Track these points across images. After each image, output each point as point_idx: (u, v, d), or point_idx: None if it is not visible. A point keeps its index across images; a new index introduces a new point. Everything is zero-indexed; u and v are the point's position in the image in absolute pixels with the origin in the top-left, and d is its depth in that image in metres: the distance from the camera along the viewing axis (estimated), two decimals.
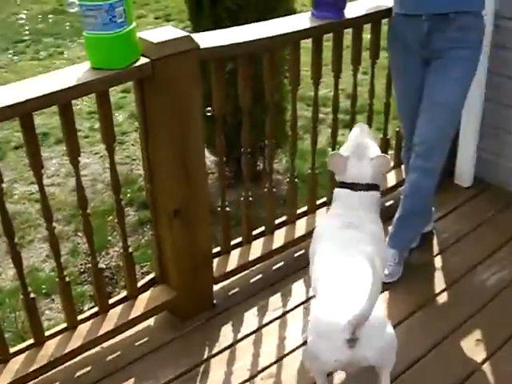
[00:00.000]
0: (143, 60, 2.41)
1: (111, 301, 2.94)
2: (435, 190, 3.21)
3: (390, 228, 3.29)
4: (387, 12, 3.20)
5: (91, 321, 2.85)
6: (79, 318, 2.85)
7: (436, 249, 3.48)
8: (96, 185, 5.13)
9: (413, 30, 3.03)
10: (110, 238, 4.46)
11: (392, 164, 3.99)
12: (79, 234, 4.48)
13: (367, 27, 3.37)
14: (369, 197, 2.65)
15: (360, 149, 2.66)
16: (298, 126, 3.48)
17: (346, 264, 2.41)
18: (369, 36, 3.42)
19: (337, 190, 2.71)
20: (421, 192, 3.17)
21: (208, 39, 2.69)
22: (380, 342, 2.20)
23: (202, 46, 2.57)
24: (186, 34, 2.57)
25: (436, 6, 2.92)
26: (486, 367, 2.75)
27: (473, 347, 2.85)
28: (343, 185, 2.66)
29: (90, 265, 3.99)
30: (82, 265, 4.23)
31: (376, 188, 2.67)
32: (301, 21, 3.10)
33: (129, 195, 4.86)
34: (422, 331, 2.92)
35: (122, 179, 2.74)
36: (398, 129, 3.76)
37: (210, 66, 2.82)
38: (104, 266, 3.84)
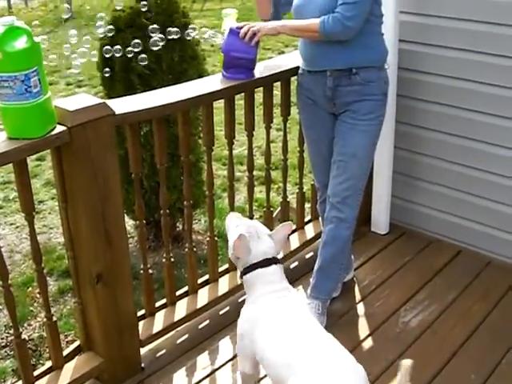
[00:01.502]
0: (60, 128, 2.42)
1: (36, 373, 2.86)
2: (352, 238, 3.31)
3: (311, 279, 3.35)
4: (296, 70, 3.30)
5: None
6: None
7: (358, 296, 3.56)
8: (13, 256, 5.03)
9: (319, 85, 3.14)
10: (31, 309, 4.36)
11: (309, 217, 4.10)
12: None
13: (278, 84, 3.48)
14: (280, 269, 2.54)
15: (253, 229, 2.54)
16: (216, 185, 3.53)
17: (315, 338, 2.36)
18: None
19: (248, 276, 2.51)
20: (338, 241, 3.25)
21: (123, 105, 2.74)
22: None
23: (117, 112, 2.61)
24: (101, 100, 2.60)
25: (339, 62, 3.04)
26: None
27: None
28: (253, 266, 2.50)
29: (11, 338, 3.96)
30: (2, 339, 4.11)
31: (280, 260, 2.56)
32: (212, 82, 3.17)
33: (48, 264, 4.79)
34: None
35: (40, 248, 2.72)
36: (313, 182, 3.85)
37: (125, 129, 2.87)
38: (26, 338, 3.76)
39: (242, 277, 2.56)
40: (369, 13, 2.94)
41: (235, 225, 2.60)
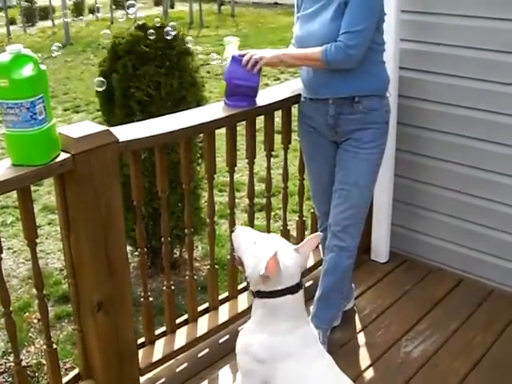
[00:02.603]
0: (64, 155, 2.41)
1: None
2: (353, 267, 3.29)
3: (311, 308, 3.33)
4: (297, 98, 3.31)
5: None
6: None
7: (359, 325, 3.53)
8: (10, 280, 5.00)
9: (321, 113, 3.15)
10: (28, 334, 4.33)
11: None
12: None
13: (279, 112, 3.48)
14: (303, 295, 2.41)
15: (277, 244, 2.34)
16: None
17: None
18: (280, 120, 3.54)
19: (273, 301, 2.34)
20: (339, 270, 3.23)
21: (126, 132, 2.73)
22: None
23: (120, 140, 2.61)
24: (105, 128, 2.60)
25: (342, 90, 3.05)
26: None
27: None
28: (281, 292, 2.32)
29: (9, 364, 3.92)
30: (0, 365, 4.07)
31: (303, 283, 2.40)
32: (215, 110, 3.17)
33: (45, 290, 4.76)
34: None
35: None
36: (312, 210, 3.84)
37: (127, 157, 2.86)
38: (25, 364, 3.72)
39: (259, 297, 2.39)
40: (371, 41, 2.95)
41: (252, 241, 2.39)
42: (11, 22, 19.53)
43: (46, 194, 6.60)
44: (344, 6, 2.90)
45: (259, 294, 2.38)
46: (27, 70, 2.20)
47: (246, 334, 2.50)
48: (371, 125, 3.09)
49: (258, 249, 2.34)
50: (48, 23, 20.60)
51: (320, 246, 3.69)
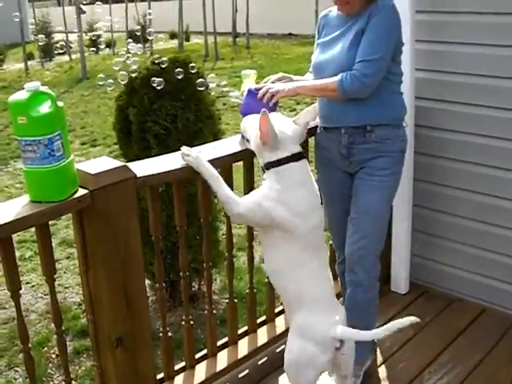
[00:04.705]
0: (82, 191, 2.41)
1: None
2: (375, 302, 3.19)
3: None
4: (314, 130, 3.30)
5: None
6: None
7: (380, 358, 3.48)
8: (29, 315, 5.00)
9: (334, 143, 3.14)
10: (48, 370, 4.31)
11: None
12: (16, 368, 4.34)
13: None
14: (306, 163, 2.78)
15: (275, 115, 2.76)
16: None
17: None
18: None
19: (281, 168, 2.69)
20: (358, 306, 3.13)
21: (144, 167, 2.73)
22: None
23: (138, 175, 2.60)
24: (122, 163, 2.60)
25: (353, 119, 3.04)
26: None
27: None
28: (284, 160, 2.68)
29: None
30: None
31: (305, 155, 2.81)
32: (232, 144, 3.16)
33: (63, 324, 4.75)
34: None
35: None
36: (331, 242, 3.82)
37: (145, 192, 2.86)
38: None
39: (268, 169, 2.71)
40: (386, 71, 2.95)
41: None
42: (29, 57, 19.75)
43: (64, 227, 6.62)
44: (361, 34, 2.90)
45: (267, 166, 2.72)
46: (45, 108, 2.21)
47: (258, 194, 2.77)
48: (385, 153, 3.06)
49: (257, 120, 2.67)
50: (65, 58, 20.81)
51: (338, 279, 3.65)
